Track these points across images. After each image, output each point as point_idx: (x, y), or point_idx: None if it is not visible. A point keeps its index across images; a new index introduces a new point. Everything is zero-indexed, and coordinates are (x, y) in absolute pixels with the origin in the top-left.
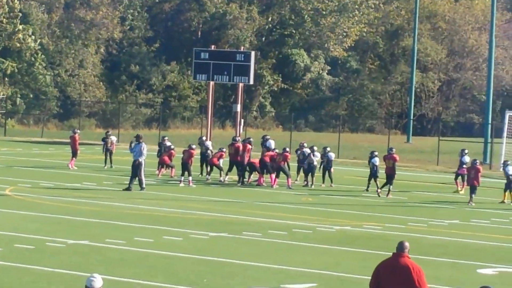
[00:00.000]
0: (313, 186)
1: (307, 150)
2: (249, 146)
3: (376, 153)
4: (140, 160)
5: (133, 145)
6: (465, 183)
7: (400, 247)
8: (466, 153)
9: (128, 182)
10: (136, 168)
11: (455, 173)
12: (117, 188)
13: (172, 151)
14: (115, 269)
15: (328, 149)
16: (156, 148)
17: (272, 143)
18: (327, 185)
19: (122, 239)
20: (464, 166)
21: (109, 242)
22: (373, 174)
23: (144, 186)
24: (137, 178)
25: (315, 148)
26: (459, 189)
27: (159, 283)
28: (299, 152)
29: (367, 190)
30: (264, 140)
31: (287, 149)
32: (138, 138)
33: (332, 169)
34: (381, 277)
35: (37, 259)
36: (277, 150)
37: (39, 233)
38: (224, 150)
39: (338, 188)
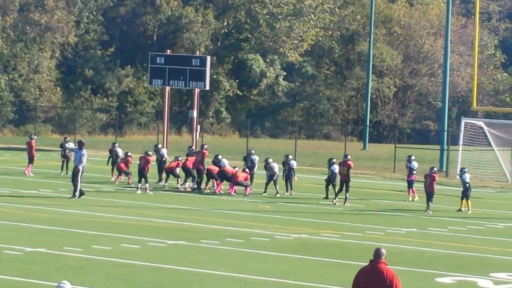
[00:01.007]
0: (278, 195)
1: (256, 157)
2: (206, 153)
3: (334, 160)
4: (79, 167)
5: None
6: (414, 189)
7: (377, 254)
8: (413, 159)
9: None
10: (74, 175)
11: (406, 181)
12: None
13: (129, 158)
14: (73, 277)
15: (290, 157)
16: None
17: (225, 162)
18: (283, 193)
19: (80, 247)
20: (414, 172)
21: (66, 249)
22: (331, 181)
23: (76, 194)
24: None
25: (270, 160)
26: (414, 196)
27: None
28: (248, 159)
29: (326, 197)
30: (217, 160)
31: (247, 170)
32: (80, 144)
33: (295, 178)
34: (359, 284)
35: None
36: (237, 168)
37: None
38: (180, 158)
39: (296, 195)
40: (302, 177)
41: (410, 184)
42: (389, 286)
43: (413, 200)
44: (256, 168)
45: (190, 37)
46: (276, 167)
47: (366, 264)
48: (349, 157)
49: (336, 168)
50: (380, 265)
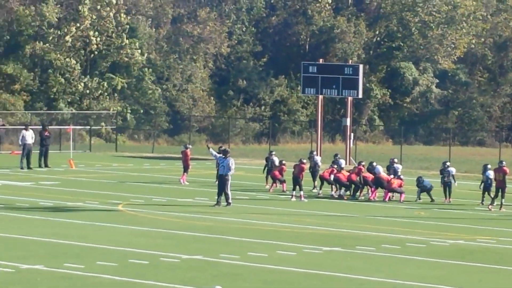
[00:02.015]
0: (450, 201)
1: (399, 166)
2: (362, 169)
3: (489, 166)
4: (228, 175)
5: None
6: None
7: None
8: None
9: (216, 198)
10: (223, 183)
11: None
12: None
13: (283, 166)
14: (230, 284)
15: (448, 163)
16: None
17: (380, 169)
18: (443, 200)
19: (236, 254)
20: None
21: (223, 257)
22: (486, 187)
23: (230, 201)
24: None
25: (421, 178)
26: None
27: None
28: (390, 168)
29: (482, 203)
30: (372, 167)
31: (401, 176)
32: (225, 153)
33: (454, 184)
34: None
35: (152, 274)
36: (392, 175)
37: (153, 248)
38: (335, 166)
39: (447, 200)
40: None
41: None
42: None
43: None
44: (398, 175)
45: (343, 47)
46: (429, 183)
47: None
48: (504, 163)
49: (491, 173)
50: None
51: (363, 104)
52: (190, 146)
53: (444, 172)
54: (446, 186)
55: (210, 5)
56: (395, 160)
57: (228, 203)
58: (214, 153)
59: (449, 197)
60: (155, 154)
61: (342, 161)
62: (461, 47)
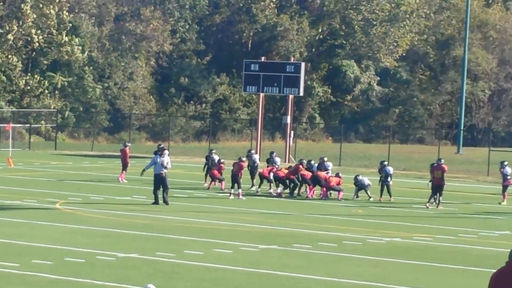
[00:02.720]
0: (371, 199)
1: (329, 164)
2: (301, 167)
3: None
4: (163, 173)
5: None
6: (506, 193)
7: None
8: (506, 165)
9: (154, 196)
10: (160, 181)
11: (501, 185)
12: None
13: (222, 164)
14: (166, 282)
15: (386, 163)
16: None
17: (331, 165)
18: (386, 199)
19: (172, 252)
20: (508, 177)
21: (159, 255)
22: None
23: (167, 199)
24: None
25: (359, 177)
26: (503, 201)
27: None
28: (322, 166)
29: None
30: (310, 165)
31: (340, 174)
32: (160, 150)
33: (391, 183)
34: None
35: (87, 272)
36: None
37: (89, 246)
38: (275, 165)
39: (388, 199)
40: (395, 181)
41: (505, 188)
42: None
43: (500, 204)
44: (328, 173)
45: (285, 44)
46: (367, 180)
47: (501, 267)
48: (443, 161)
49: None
50: None
51: (304, 102)
52: (129, 144)
53: (381, 171)
54: (384, 185)
55: (154, 3)
56: (325, 158)
57: (165, 201)
58: (149, 163)
59: (390, 196)
60: (94, 152)
61: (278, 159)
62: (404, 44)
